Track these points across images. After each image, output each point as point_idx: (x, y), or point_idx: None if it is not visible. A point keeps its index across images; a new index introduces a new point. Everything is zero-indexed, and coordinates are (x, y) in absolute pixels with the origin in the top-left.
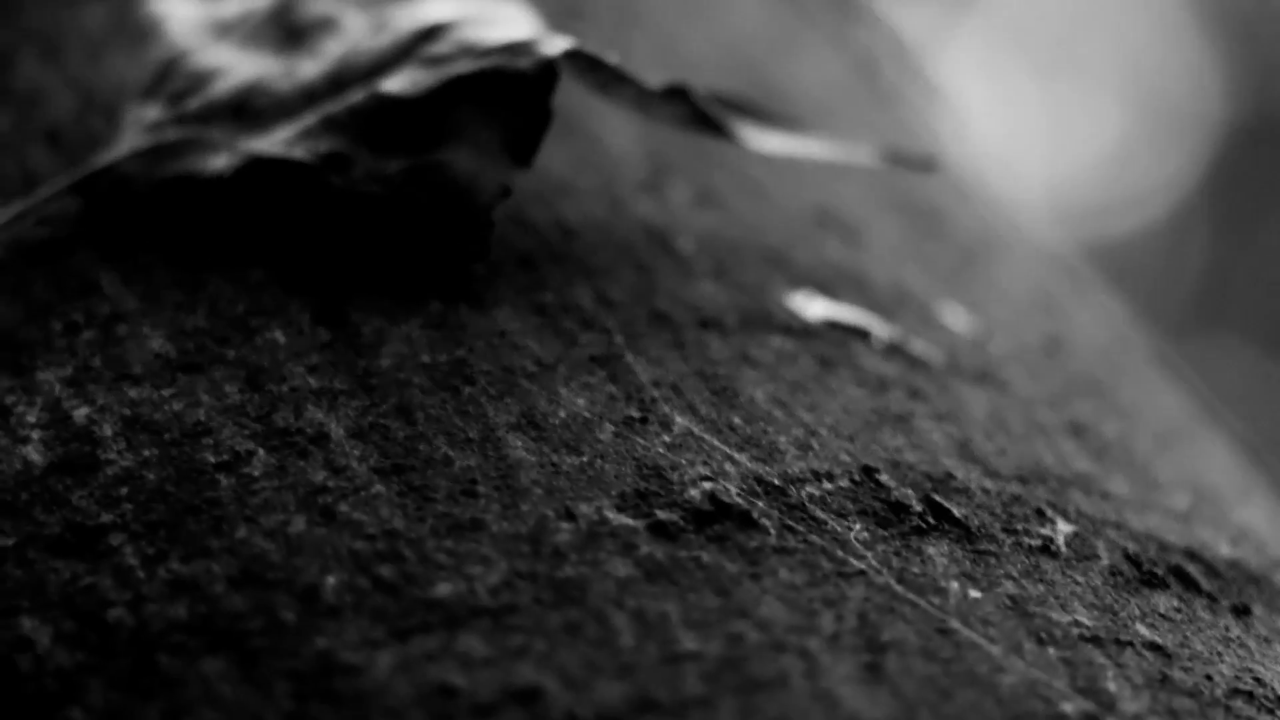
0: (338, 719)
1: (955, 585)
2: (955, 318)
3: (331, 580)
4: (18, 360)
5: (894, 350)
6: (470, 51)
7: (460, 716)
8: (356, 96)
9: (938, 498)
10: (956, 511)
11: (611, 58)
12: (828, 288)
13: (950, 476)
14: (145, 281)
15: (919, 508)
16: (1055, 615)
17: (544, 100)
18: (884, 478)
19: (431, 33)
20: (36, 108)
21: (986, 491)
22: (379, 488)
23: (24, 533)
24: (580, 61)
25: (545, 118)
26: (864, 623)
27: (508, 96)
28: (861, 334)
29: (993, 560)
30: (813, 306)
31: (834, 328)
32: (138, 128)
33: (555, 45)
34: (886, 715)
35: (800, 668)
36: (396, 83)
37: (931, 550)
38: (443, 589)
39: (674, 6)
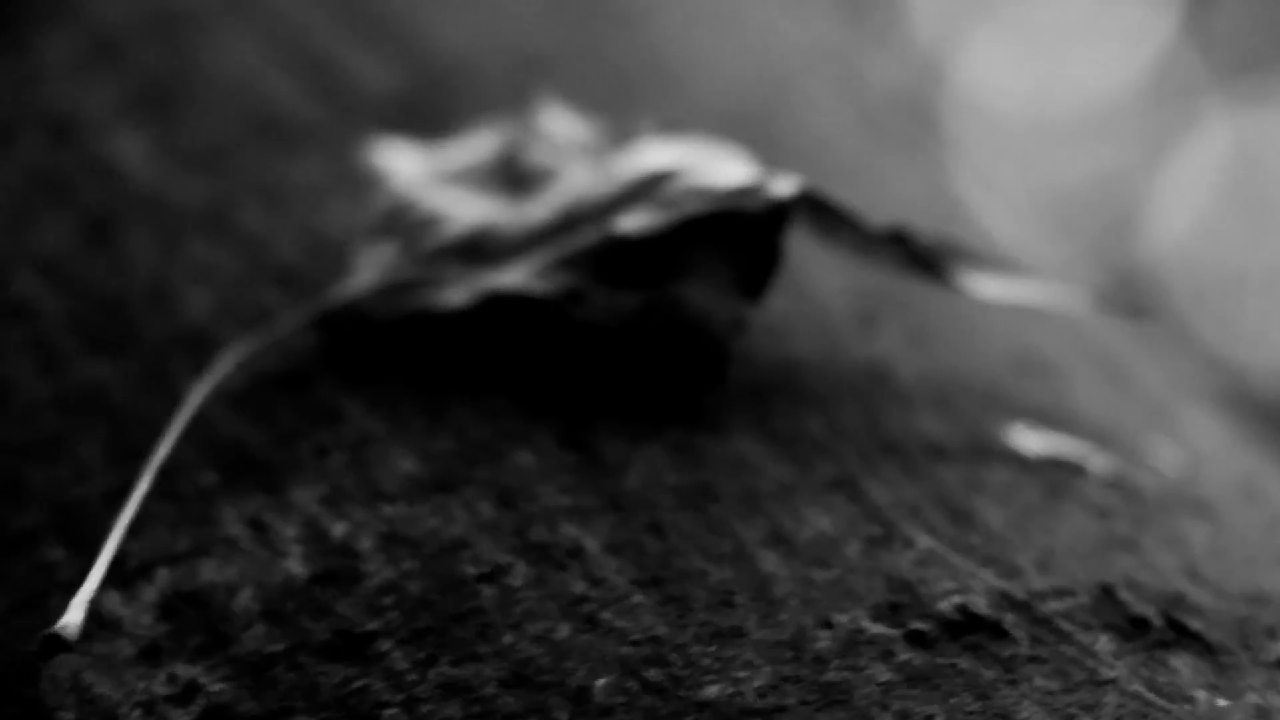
0: None
1: (1203, 694)
2: (1162, 453)
3: (601, 682)
4: (270, 480)
5: (1113, 483)
6: (700, 194)
7: None
8: (589, 236)
9: (1175, 614)
10: (1194, 626)
11: (838, 200)
12: (1042, 423)
13: (1182, 596)
14: (389, 409)
15: (1159, 622)
16: None
17: (774, 240)
18: (1122, 595)
19: (659, 179)
20: (264, 250)
21: (1218, 610)
22: (639, 598)
23: (293, 639)
24: (806, 204)
25: (775, 256)
26: None
27: (739, 236)
28: (1080, 468)
29: (1234, 672)
30: (1031, 440)
31: (1053, 461)
32: (372, 266)
33: (784, 188)
34: None
35: None
36: (629, 223)
37: (1175, 662)
38: (711, 691)
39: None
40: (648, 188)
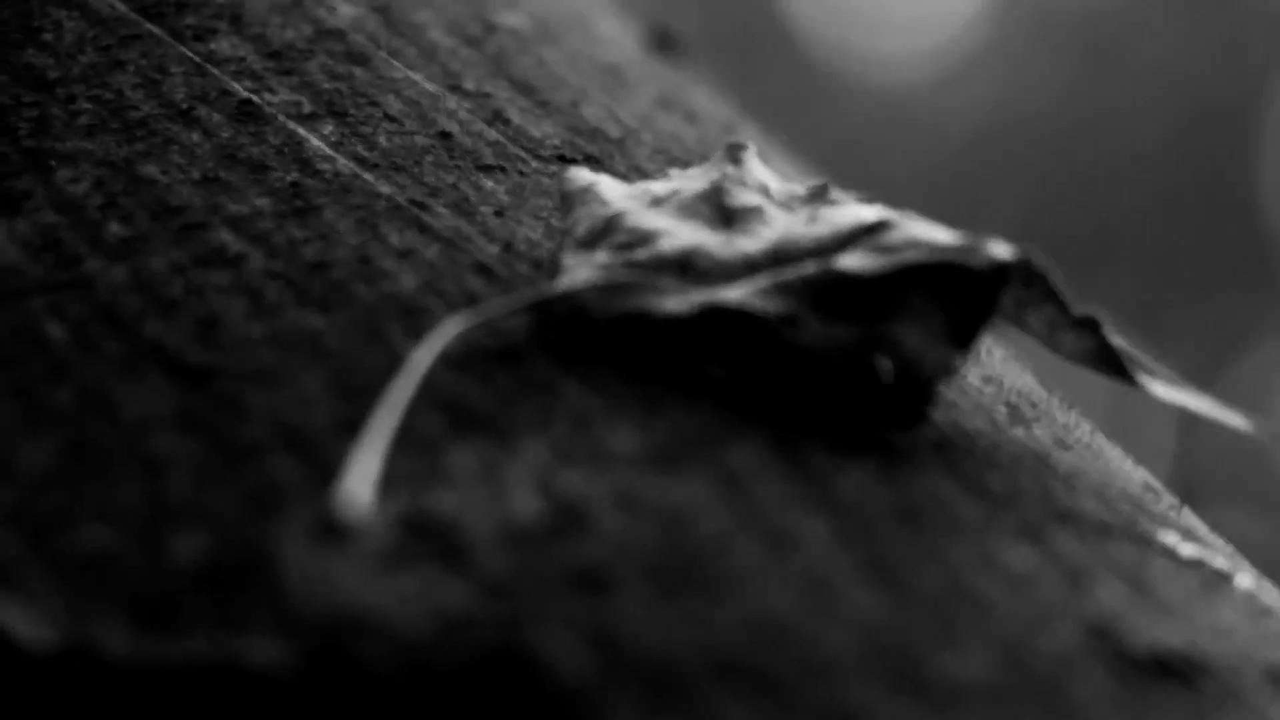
0: None
1: None
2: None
3: (836, 638)
4: (497, 431)
5: (1255, 594)
6: (920, 245)
7: None
8: (809, 268)
9: None
10: None
11: (1054, 274)
12: (1186, 534)
13: None
14: (604, 391)
15: None
16: None
17: (993, 295)
18: None
19: (875, 227)
20: (460, 249)
21: None
22: (866, 580)
23: (530, 565)
24: (1022, 271)
25: (990, 311)
26: None
27: (957, 288)
28: (1228, 576)
29: None
30: (1184, 547)
31: (1205, 565)
32: (586, 268)
33: (1004, 251)
34: None
35: None
36: (850, 261)
37: None
38: (938, 660)
39: None
40: (865, 234)
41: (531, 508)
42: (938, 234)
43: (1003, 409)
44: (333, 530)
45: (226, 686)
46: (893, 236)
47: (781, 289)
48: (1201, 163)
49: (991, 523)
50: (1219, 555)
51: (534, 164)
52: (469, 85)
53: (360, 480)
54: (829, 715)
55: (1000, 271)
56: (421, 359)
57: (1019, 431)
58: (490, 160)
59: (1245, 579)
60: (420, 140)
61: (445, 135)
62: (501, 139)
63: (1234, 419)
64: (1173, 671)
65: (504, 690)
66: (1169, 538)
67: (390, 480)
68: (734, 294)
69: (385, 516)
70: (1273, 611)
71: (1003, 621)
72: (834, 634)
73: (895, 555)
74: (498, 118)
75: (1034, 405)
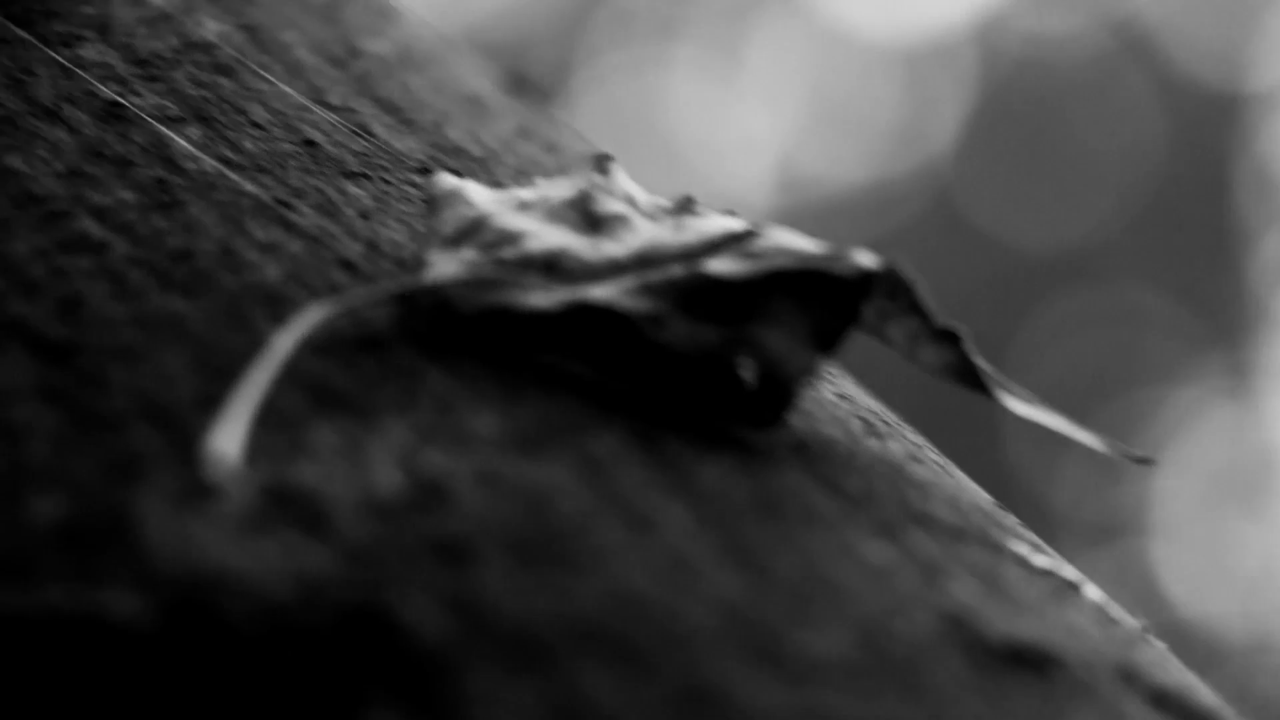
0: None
1: None
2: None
3: (695, 613)
4: (360, 410)
5: (1102, 605)
6: (788, 253)
7: None
8: (676, 271)
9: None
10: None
11: (919, 286)
12: (1036, 546)
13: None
14: (469, 380)
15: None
16: None
17: (856, 303)
18: (1141, 675)
19: (744, 235)
20: (325, 246)
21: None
22: (726, 562)
23: (393, 535)
24: (887, 280)
25: (853, 317)
26: None
27: (821, 295)
28: (1077, 587)
29: None
30: (1036, 558)
31: (1055, 576)
32: (452, 263)
33: (870, 260)
34: None
35: None
36: (717, 265)
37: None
38: (798, 638)
39: None
40: (732, 241)
41: (393, 482)
42: (804, 242)
43: (857, 422)
44: (195, 495)
45: (86, 642)
46: (759, 244)
47: (648, 289)
48: None
49: (848, 519)
50: (1068, 567)
51: (398, 175)
52: (334, 100)
53: (227, 440)
54: (688, 684)
55: (864, 279)
56: (286, 338)
57: (873, 443)
58: (355, 168)
59: (1094, 591)
60: (286, 146)
61: (310, 143)
62: (366, 150)
63: (1087, 437)
64: (1027, 662)
65: (364, 651)
66: (1020, 548)
67: (252, 453)
68: (600, 292)
69: (247, 484)
70: (1121, 621)
71: (860, 606)
72: (693, 609)
73: (754, 541)
74: (363, 131)
75: (886, 423)
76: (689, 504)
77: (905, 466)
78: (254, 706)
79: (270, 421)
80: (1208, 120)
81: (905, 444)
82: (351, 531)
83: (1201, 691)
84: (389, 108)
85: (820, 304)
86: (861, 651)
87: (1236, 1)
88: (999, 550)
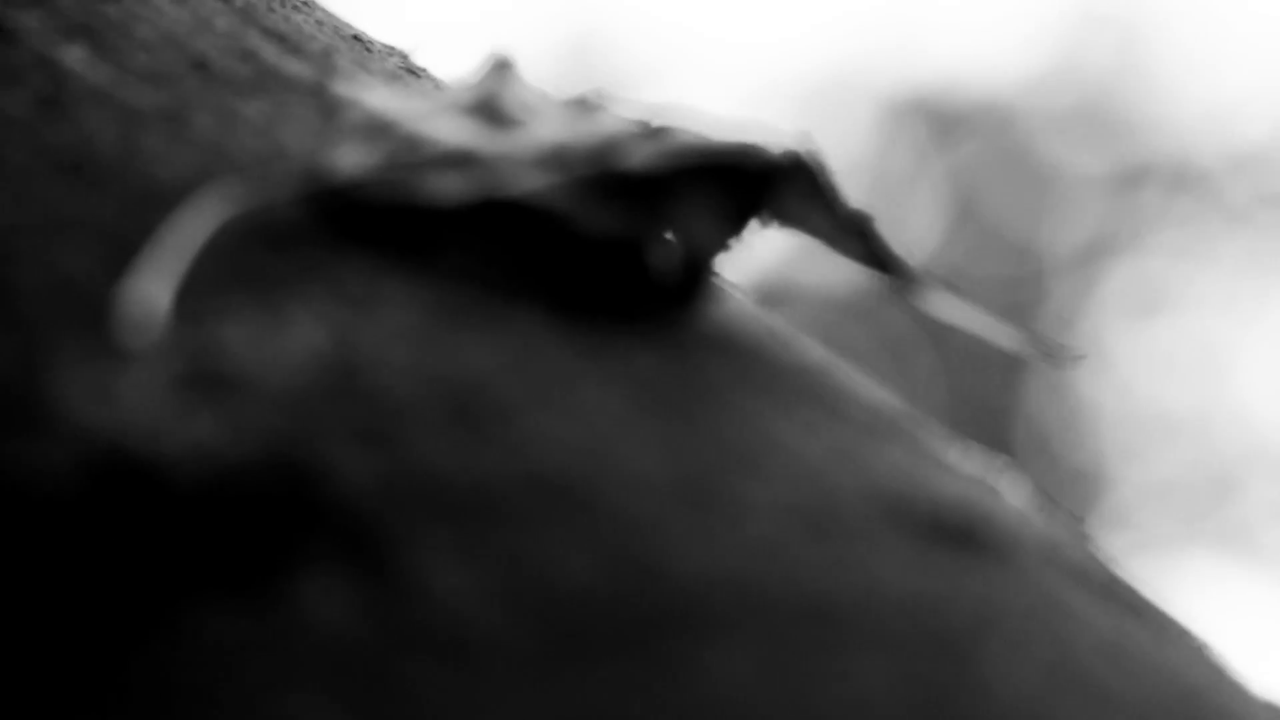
0: None
1: None
2: None
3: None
4: (278, 286)
5: (1030, 497)
6: (699, 139)
7: None
8: (587, 162)
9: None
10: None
11: (830, 172)
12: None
13: None
14: (384, 267)
15: None
16: None
17: (768, 184)
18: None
19: (657, 130)
20: (224, 153)
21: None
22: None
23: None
24: (803, 171)
25: (765, 199)
26: None
27: (735, 179)
28: (1003, 476)
29: None
30: (967, 453)
31: (982, 467)
32: (361, 158)
33: (783, 145)
34: None
35: None
36: (629, 156)
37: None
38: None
39: None
40: (642, 134)
41: (321, 352)
42: (717, 131)
43: (775, 322)
44: (113, 361)
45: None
46: (672, 132)
47: (559, 181)
48: None
49: (773, 399)
50: (998, 460)
51: (293, 93)
52: (221, 27)
53: (150, 289)
54: (628, 540)
55: (775, 162)
56: (196, 210)
57: (789, 341)
58: (248, 87)
59: (1016, 482)
60: (176, 67)
61: (201, 65)
62: (257, 72)
63: (1003, 334)
64: (953, 534)
65: (298, 504)
66: (948, 443)
67: (170, 320)
68: (512, 183)
69: (170, 341)
70: (1046, 509)
71: (791, 476)
72: (630, 468)
73: (684, 413)
74: (251, 57)
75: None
76: (617, 376)
77: (831, 364)
78: (189, 572)
79: (184, 296)
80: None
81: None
82: (278, 398)
83: (1125, 571)
84: (276, 37)
85: (732, 190)
86: (789, 515)
87: None
88: (923, 438)
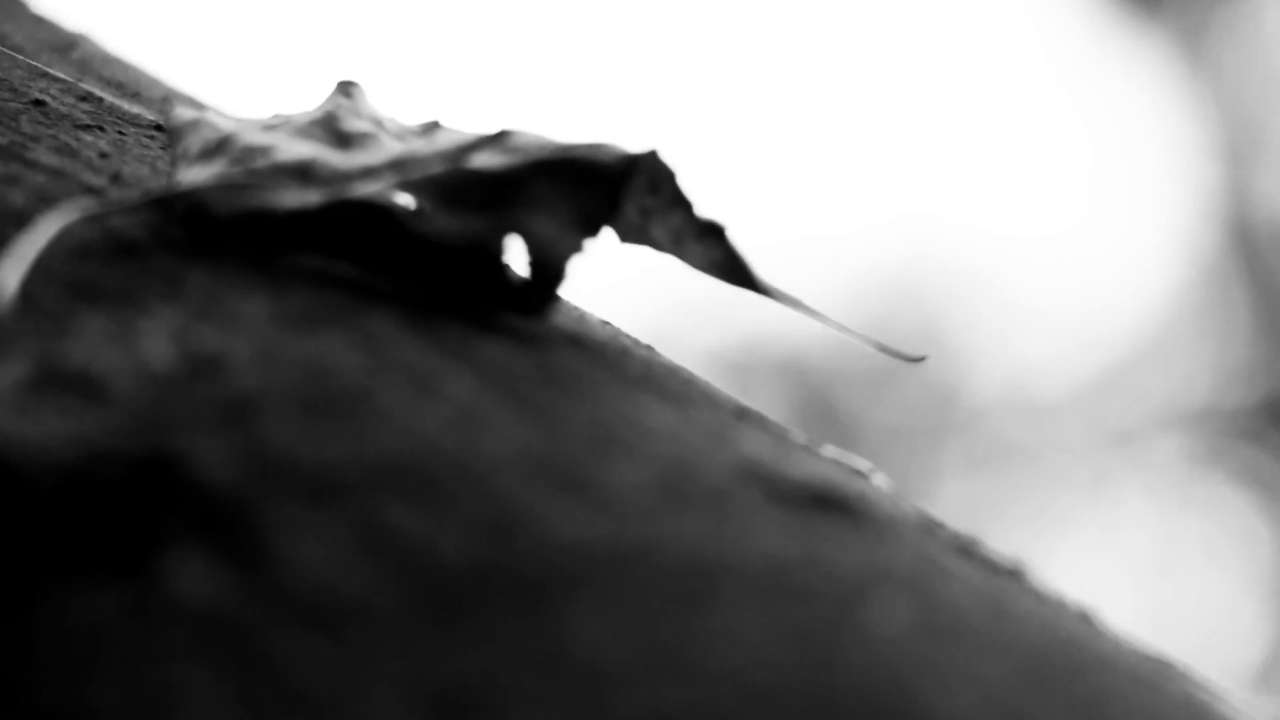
0: None
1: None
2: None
3: (492, 449)
4: (128, 299)
5: (893, 489)
6: (549, 145)
7: None
8: (435, 168)
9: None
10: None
11: (681, 177)
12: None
13: None
14: (233, 275)
15: None
16: None
17: (619, 187)
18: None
19: (501, 135)
20: (67, 177)
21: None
22: (514, 415)
23: (171, 405)
24: (650, 170)
25: (616, 201)
26: None
27: (584, 182)
28: (866, 475)
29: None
30: (823, 449)
31: (845, 464)
32: (206, 172)
33: (630, 148)
34: None
35: None
36: (478, 160)
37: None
38: (595, 469)
39: None
40: (488, 141)
41: (168, 355)
42: (562, 138)
43: (625, 337)
44: None
45: None
46: (517, 140)
47: (408, 185)
48: None
49: (631, 390)
50: (857, 458)
51: (132, 130)
52: (58, 74)
53: (6, 278)
54: (493, 512)
55: (625, 165)
56: (48, 221)
57: (644, 352)
58: (88, 122)
59: (883, 479)
60: (13, 105)
61: (39, 103)
62: (97, 110)
63: (856, 336)
64: (830, 505)
65: (157, 496)
66: (801, 438)
67: (15, 337)
68: (359, 189)
69: (16, 360)
70: (913, 503)
71: (656, 451)
72: (490, 449)
73: (542, 399)
74: (89, 98)
75: (648, 345)
76: (471, 369)
77: (678, 369)
78: (50, 555)
79: (31, 312)
80: None
81: (669, 359)
82: (130, 397)
83: (993, 545)
84: (114, 85)
85: (583, 190)
86: (663, 486)
87: None
88: (783, 435)
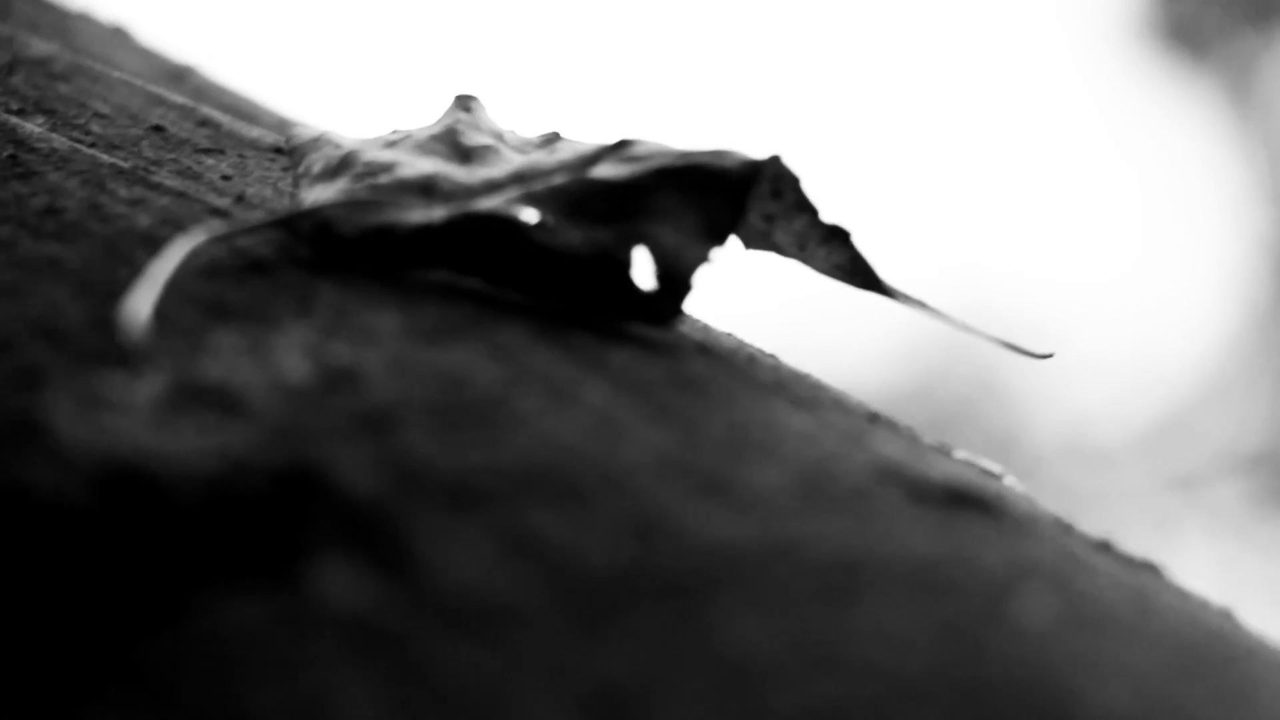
0: None
1: None
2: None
3: (630, 456)
4: (260, 316)
5: (1026, 491)
6: (668, 152)
7: None
8: (559, 180)
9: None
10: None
11: (804, 183)
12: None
13: None
14: (363, 291)
15: None
16: None
17: (744, 194)
18: None
19: (623, 144)
20: (192, 199)
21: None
22: (651, 422)
23: (309, 419)
24: (774, 176)
25: (742, 208)
26: None
27: (709, 189)
28: (999, 476)
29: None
30: (955, 451)
31: (979, 466)
32: (330, 190)
33: (753, 154)
34: None
35: None
36: (601, 170)
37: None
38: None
39: None
40: (610, 151)
41: (303, 370)
42: (682, 145)
43: (751, 348)
44: (101, 397)
45: (15, 522)
46: (638, 149)
47: (533, 198)
48: None
49: (764, 396)
50: (986, 460)
51: (252, 152)
52: (175, 100)
53: (141, 306)
54: (634, 515)
55: (749, 171)
56: (180, 244)
57: (770, 360)
58: (208, 145)
59: (1015, 481)
60: (134, 131)
61: (159, 129)
62: (216, 134)
63: (985, 331)
64: (970, 503)
65: (301, 507)
66: (932, 441)
67: (154, 355)
68: (485, 203)
69: (149, 384)
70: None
71: (793, 454)
72: (628, 454)
73: (677, 406)
74: (208, 122)
75: (772, 354)
76: (605, 377)
77: (806, 375)
78: (197, 565)
79: (166, 330)
80: None
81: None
82: (267, 411)
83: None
84: (231, 109)
85: (707, 198)
86: (804, 486)
87: None
88: (915, 439)
